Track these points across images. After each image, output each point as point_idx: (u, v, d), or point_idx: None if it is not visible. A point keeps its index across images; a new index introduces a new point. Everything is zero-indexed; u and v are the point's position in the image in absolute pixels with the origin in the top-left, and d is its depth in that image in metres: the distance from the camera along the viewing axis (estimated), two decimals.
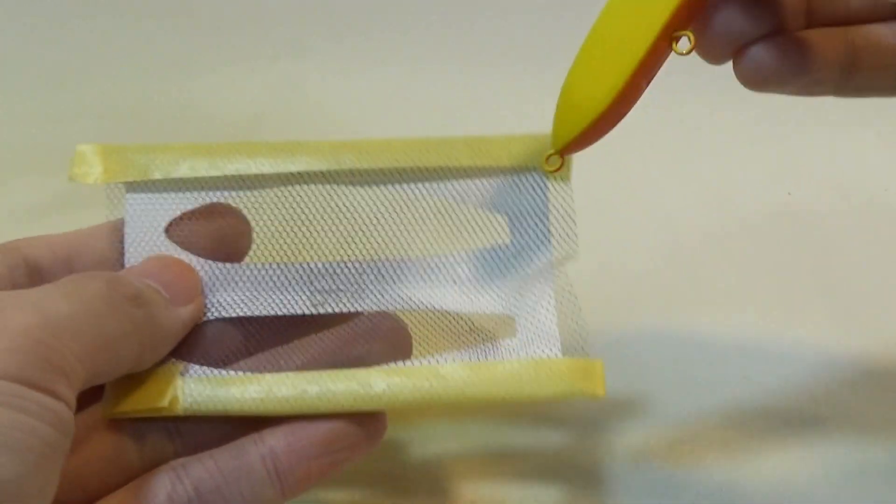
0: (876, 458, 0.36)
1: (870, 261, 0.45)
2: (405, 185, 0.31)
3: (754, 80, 0.29)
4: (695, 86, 0.50)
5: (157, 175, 0.31)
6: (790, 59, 0.28)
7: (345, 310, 0.31)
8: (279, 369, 0.30)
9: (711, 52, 0.29)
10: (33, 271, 0.30)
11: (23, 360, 0.22)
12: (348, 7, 0.60)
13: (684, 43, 0.28)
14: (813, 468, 0.35)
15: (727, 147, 0.51)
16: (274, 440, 0.28)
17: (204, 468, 0.28)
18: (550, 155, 0.31)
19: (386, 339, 0.31)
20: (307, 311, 0.31)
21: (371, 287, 0.31)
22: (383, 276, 0.31)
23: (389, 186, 0.31)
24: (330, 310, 0.31)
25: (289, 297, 0.31)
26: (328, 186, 0.31)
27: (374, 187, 0.31)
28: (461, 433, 0.37)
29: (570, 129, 0.29)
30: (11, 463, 0.21)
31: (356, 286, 0.31)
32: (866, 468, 0.35)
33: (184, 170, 0.31)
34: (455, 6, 0.60)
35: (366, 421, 0.29)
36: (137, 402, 0.28)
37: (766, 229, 0.47)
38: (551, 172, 0.31)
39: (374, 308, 0.31)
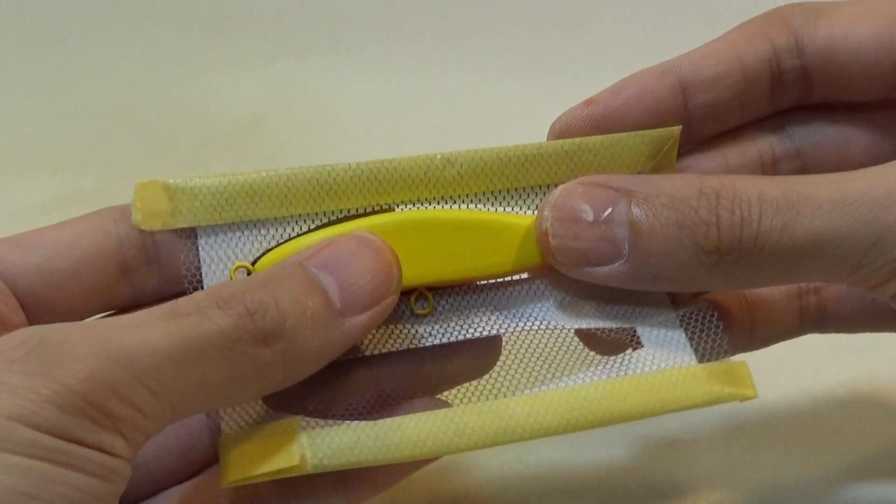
0: (876, 457, 0.36)
1: None
2: (501, 200, 0.29)
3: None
4: None
5: (232, 217, 0.27)
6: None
7: (454, 339, 0.28)
8: (379, 404, 0.28)
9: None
10: (149, 245, 0.28)
11: (65, 418, 0.21)
12: (348, 8, 0.60)
13: (422, 304, 0.28)
14: (812, 467, 0.35)
15: None
16: None
17: None
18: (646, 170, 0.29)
19: (469, 350, 0.29)
20: (412, 346, 0.28)
21: (477, 313, 0.29)
22: (489, 301, 0.29)
23: (485, 201, 0.29)
24: (436, 341, 0.28)
25: (391, 333, 0.28)
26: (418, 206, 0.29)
27: (469, 202, 0.29)
28: None
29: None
30: None
31: (462, 313, 0.29)
32: (866, 467, 0.35)
33: (261, 210, 0.28)
34: (454, 8, 0.60)
35: None
36: (263, 465, 0.25)
37: None
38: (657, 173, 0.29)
39: (486, 334, 0.28)
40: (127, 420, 0.21)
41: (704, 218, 0.25)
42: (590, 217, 0.26)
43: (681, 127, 0.29)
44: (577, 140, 0.29)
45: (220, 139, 0.55)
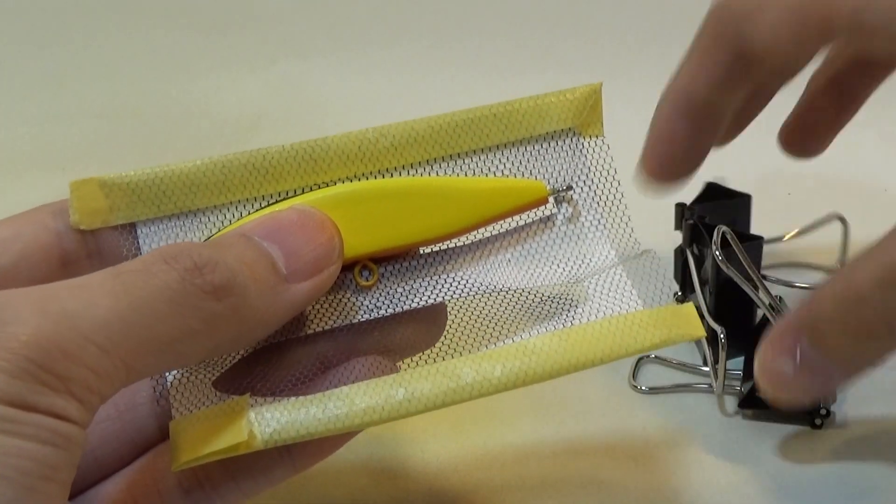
0: (875, 456, 0.36)
1: None
2: (437, 168, 0.29)
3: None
4: None
5: (171, 209, 0.28)
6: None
7: (401, 309, 0.28)
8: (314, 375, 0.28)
9: None
10: (89, 239, 0.27)
11: (14, 383, 0.20)
12: (348, 8, 0.60)
13: (366, 276, 0.28)
14: (810, 467, 0.35)
15: (727, 147, 0.51)
16: None
17: None
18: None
19: (414, 320, 0.29)
20: (357, 319, 0.28)
21: (423, 280, 0.29)
22: (433, 268, 0.29)
23: (420, 171, 0.29)
24: (382, 313, 0.28)
25: (336, 306, 0.28)
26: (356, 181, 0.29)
27: (405, 173, 0.29)
28: (461, 433, 0.37)
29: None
30: (3, 489, 0.20)
31: (408, 281, 0.29)
32: (866, 467, 0.35)
33: (200, 199, 0.28)
34: (454, 7, 0.60)
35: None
36: (212, 444, 0.24)
37: (766, 229, 0.46)
38: (585, 130, 0.30)
39: (432, 301, 0.28)
40: (78, 380, 0.21)
41: None
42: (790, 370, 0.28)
43: (601, 82, 0.30)
44: (505, 103, 0.29)
45: (220, 139, 0.55)
